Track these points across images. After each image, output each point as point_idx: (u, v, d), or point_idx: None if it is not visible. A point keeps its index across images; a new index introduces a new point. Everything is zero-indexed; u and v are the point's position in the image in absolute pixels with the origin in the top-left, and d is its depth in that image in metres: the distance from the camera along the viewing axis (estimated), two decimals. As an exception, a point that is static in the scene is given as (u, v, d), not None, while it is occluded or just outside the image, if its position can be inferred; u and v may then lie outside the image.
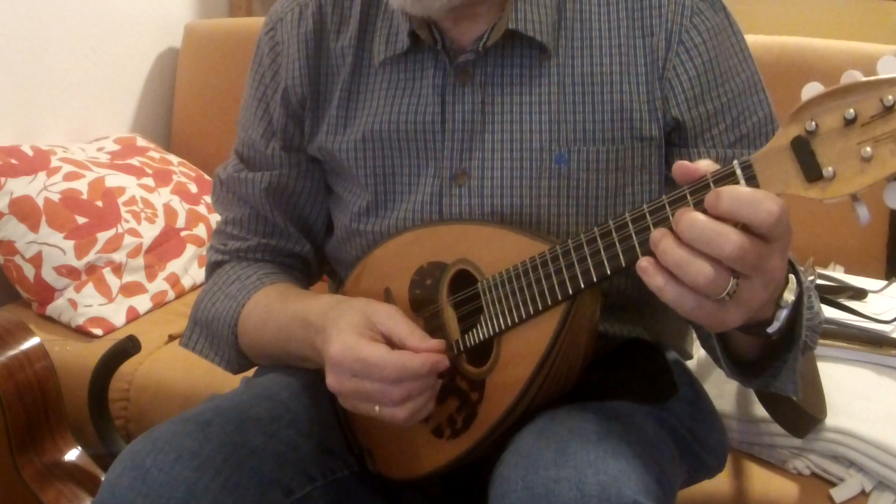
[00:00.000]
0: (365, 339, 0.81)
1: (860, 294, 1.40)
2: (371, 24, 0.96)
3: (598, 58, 0.90)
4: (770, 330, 0.73)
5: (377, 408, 0.80)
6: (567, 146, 0.89)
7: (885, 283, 1.45)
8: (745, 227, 0.64)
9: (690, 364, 1.11)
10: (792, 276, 0.73)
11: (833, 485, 1.16)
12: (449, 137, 0.92)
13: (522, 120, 0.90)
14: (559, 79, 0.90)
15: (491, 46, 0.90)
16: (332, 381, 0.82)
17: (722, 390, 1.21)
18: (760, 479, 1.19)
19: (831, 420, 1.17)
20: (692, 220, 0.65)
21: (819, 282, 1.44)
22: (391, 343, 0.82)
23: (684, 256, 0.65)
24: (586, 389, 0.85)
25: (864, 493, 1.14)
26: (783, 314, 0.72)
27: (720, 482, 1.14)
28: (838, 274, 1.51)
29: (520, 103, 0.91)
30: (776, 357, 0.79)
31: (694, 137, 0.90)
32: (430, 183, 0.93)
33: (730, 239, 0.63)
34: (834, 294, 1.39)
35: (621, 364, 0.94)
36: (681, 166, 0.69)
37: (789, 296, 0.72)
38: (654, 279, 0.67)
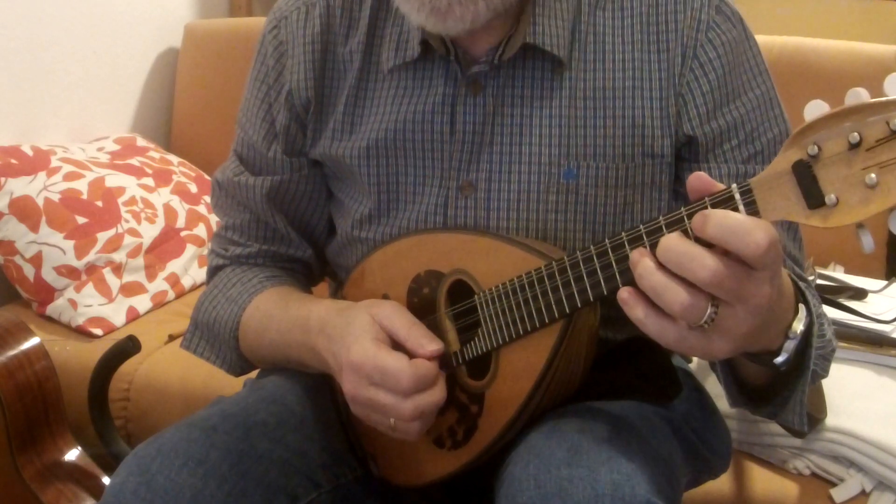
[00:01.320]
0: (385, 348, 0.80)
1: (860, 294, 1.40)
2: (380, 28, 0.94)
3: (612, 72, 0.89)
4: (778, 361, 0.71)
5: (392, 421, 0.79)
6: (577, 161, 0.88)
7: (885, 283, 1.45)
8: (727, 253, 0.62)
9: (690, 366, 1.11)
10: (801, 306, 0.72)
11: (833, 485, 1.16)
12: (457, 148, 0.91)
13: (532, 133, 0.89)
14: (571, 93, 0.89)
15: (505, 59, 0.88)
16: (348, 386, 0.81)
17: (722, 391, 1.21)
18: (760, 479, 1.19)
19: (831, 420, 1.17)
20: (667, 243, 0.63)
21: (819, 282, 1.44)
22: (393, 340, 0.82)
23: (661, 281, 0.63)
24: (591, 390, 0.85)
25: (864, 493, 1.14)
26: (791, 345, 0.71)
27: (720, 482, 1.14)
28: (838, 274, 1.51)
29: (530, 116, 0.89)
30: (785, 386, 0.78)
31: (705, 153, 0.89)
32: (435, 193, 0.92)
33: (704, 264, 0.61)
34: (834, 294, 1.39)
35: (625, 364, 0.93)
36: (699, 177, 0.67)
37: (798, 326, 0.70)
38: (634, 310, 0.65)
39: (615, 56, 0.89)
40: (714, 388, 1.15)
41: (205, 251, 1.84)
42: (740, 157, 0.89)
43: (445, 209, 0.91)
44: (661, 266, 0.64)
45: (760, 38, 1.70)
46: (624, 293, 0.66)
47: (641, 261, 0.65)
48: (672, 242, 0.63)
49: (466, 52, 0.90)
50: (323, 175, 1.01)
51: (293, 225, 1.03)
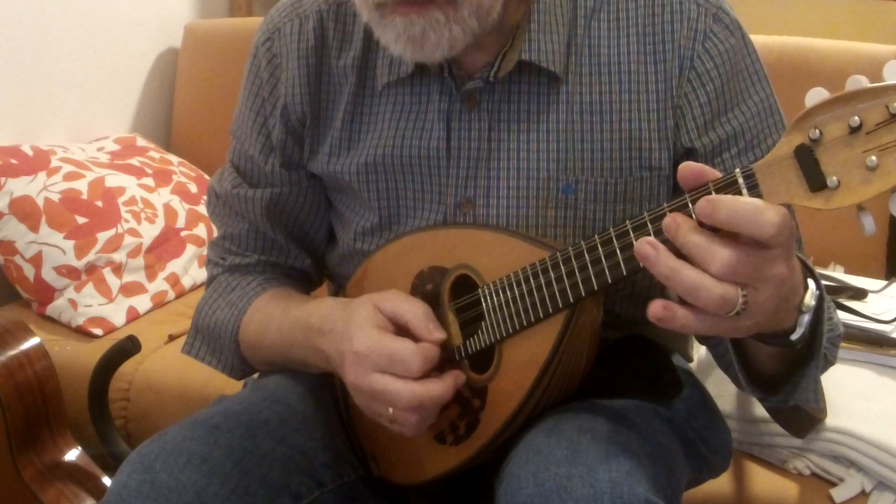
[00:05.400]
0: (389, 334, 0.81)
1: (860, 294, 1.40)
2: (375, 43, 0.92)
3: (609, 85, 0.88)
4: (794, 337, 0.71)
5: (391, 409, 0.79)
6: (575, 176, 0.88)
7: (885, 283, 1.45)
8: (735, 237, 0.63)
9: (691, 365, 1.11)
10: (811, 281, 0.72)
11: (833, 485, 1.16)
12: (454, 165, 0.90)
13: (530, 149, 0.89)
14: (568, 107, 0.88)
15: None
16: (351, 376, 0.81)
17: (722, 390, 1.21)
18: (760, 479, 1.19)
19: (831, 420, 1.17)
20: (684, 236, 0.64)
21: (819, 282, 1.44)
22: (397, 326, 0.82)
23: (692, 279, 0.63)
24: (591, 388, 0.85)
25: (864, 493, 1.14)
26: (805, 319, 0.71)
27: (720, 482, 1.14)
28: (838, 274, 1.51)
29: (527, 131, 0.89)
30: (795, 371, 0.78)
31: (705, 163, 0.86)
32: (434, 210, 0.92)
33: (716, 256, 0.62)
34: (834, 294, 1.39)
35: (625, 362, 0.94)
36: (689, 167, 0.67)
37: (810, 300, 0.71)
38: (674, 322, 0.65)
39: (611, 67, 0.88)
40: (714, 387, 1.15)
41: (205, 251, 1.84)
42: (741, 165, 0.88)
43: (445, 223, 0.91)
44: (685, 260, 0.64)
45: (760, 39, 1.70)
46: (659, 309, 0.65)
47: (662, 257, 0.65)
48: (687, 237, 0.64)
49: (461, 68, 0.90)
50: (322, 187, 1.01)
51: (292, 236, 1.02)
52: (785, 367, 0.79)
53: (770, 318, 0.67)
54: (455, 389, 0.81)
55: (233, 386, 1.04)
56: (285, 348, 0.93)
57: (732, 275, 0.63)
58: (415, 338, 0.81)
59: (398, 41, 0.82)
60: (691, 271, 0.64)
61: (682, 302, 0.66)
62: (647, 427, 0.83)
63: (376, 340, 0.80)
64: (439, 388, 0.80)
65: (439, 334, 0.81)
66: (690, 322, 0.65)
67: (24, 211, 1.64)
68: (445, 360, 0.83)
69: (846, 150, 0.62)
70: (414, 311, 0.82)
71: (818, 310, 0.73)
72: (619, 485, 0.70)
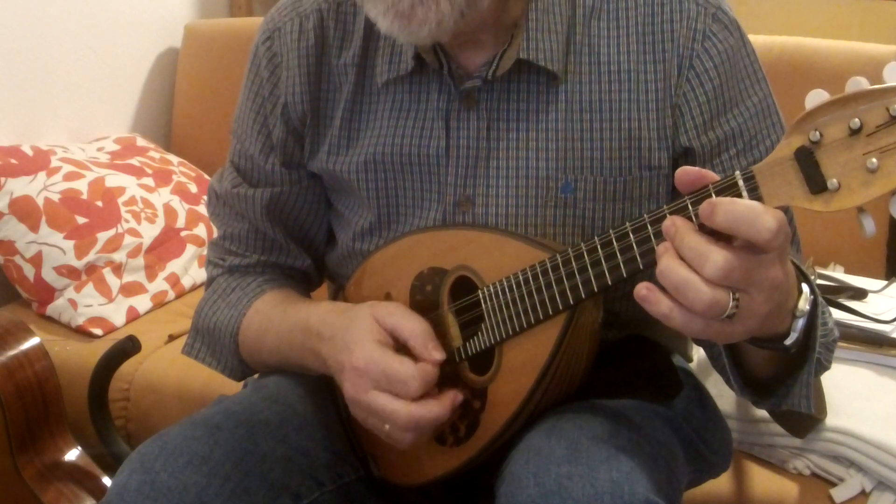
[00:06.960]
0: (389, 352, 0.81)
1: (860, 294, 1.40)
2: (374, 41, 0.92)
3: (608, 84, 0.88)
4: (788, 342, 0.71)
5: (387, 426, 0.80)
6: (574, 175, 0.88)
7: (885, 283, 1.45)
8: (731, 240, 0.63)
9: (691, 365, 1.11)
10: (805, 286, 0.72)
11: (833, 485, 1.16)
12: (453, 164, 0.90)
13: (529, 147, 0.89)
14: (567, 105, 0.88)
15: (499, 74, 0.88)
16: (350, 389, 0.81)
17: (722, 391, 1.21)
18: (760, 479, 1.19)
19: (831, 420, 1.17)
20: (681, 238, 0.64)
21: (819, 282, 1.44)
22: (397, 341, 0.82)
23: (682, 278, 0.63)
24: (592, 388, 0.85)
25: (864, 493, 1.14)
26: (799, 324, 0.71)
27: (720, 482, 1.14)
28: (838, 274, 1.51)
29: (526, 130, 0.89)
30: (789, 375, 0.78)
31: (703, 163, 0.88)
32: (434, 209, 0.92)
33: (710, 259, 0.62)
34: (834, 294, 1.39)
35: (625, 362, 0.93)
36: (687, 172, 0.67)
37: (804, 305, 0.71)
38: (657, 307, 0.65)
39: (611, 67, 0.88)
40: (714, 387, 1.15)
41: (205, 251, 1.84)
42: (739, 166, 0.88)
43: (444, 224, 0.91)
44: (683, 260, 0.64)
45: (761, 39, 1.70)
46: (643, 290, 0.66)
47: (664, 256, 0.65)
48: (684, 238, 0.64)
49: (460, 67, 0.90)
50: (322, 186, 1.01)
51: (292, 236, 1.02)
52: (778, 371, 0.79)
53: (763, 323, 0.67)
54: (452, 411, 0.81)
55: (233, 386, 1.04)
56: (284, 350, 0.93)
57: (725, 279, 0.62)
58: (414, 355, 0.81)
59: (386, 16, 0.81)
60: (684, 270, 0.64)
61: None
62: (648, 427, 0.83)
63: (376, 357, 0.80)
64: (436, 409, 0.80)
65: (438, 355, 0.81)
66: (676, 316, 0.65)
67: (24, 211, 1.65)
68: (445, 362, 0.83)
69: (846, 153, 0.62)
70: (414, 329, 0.82)
71: (812, 314, 0.73)
72: (620, 485, 0.70)
